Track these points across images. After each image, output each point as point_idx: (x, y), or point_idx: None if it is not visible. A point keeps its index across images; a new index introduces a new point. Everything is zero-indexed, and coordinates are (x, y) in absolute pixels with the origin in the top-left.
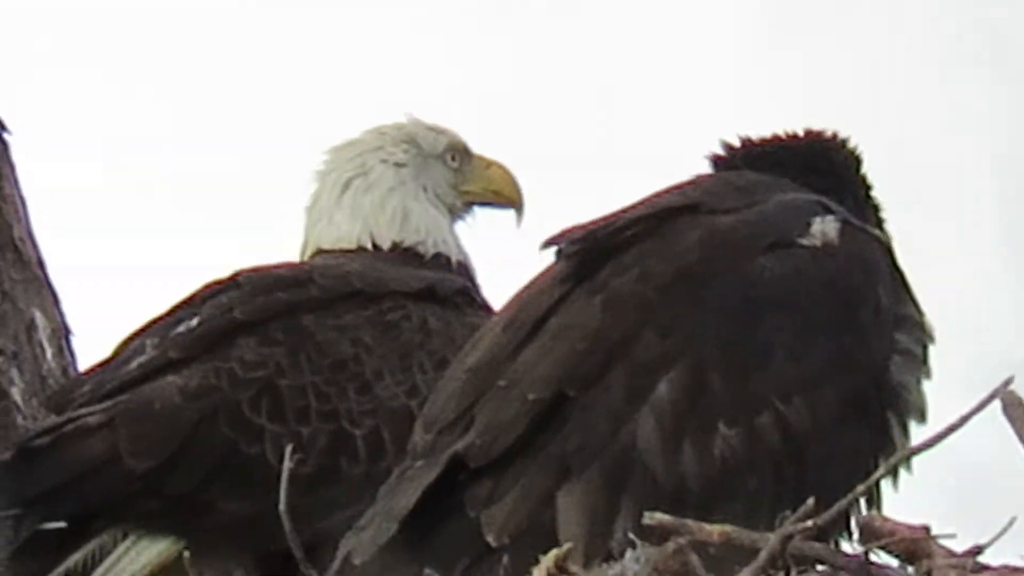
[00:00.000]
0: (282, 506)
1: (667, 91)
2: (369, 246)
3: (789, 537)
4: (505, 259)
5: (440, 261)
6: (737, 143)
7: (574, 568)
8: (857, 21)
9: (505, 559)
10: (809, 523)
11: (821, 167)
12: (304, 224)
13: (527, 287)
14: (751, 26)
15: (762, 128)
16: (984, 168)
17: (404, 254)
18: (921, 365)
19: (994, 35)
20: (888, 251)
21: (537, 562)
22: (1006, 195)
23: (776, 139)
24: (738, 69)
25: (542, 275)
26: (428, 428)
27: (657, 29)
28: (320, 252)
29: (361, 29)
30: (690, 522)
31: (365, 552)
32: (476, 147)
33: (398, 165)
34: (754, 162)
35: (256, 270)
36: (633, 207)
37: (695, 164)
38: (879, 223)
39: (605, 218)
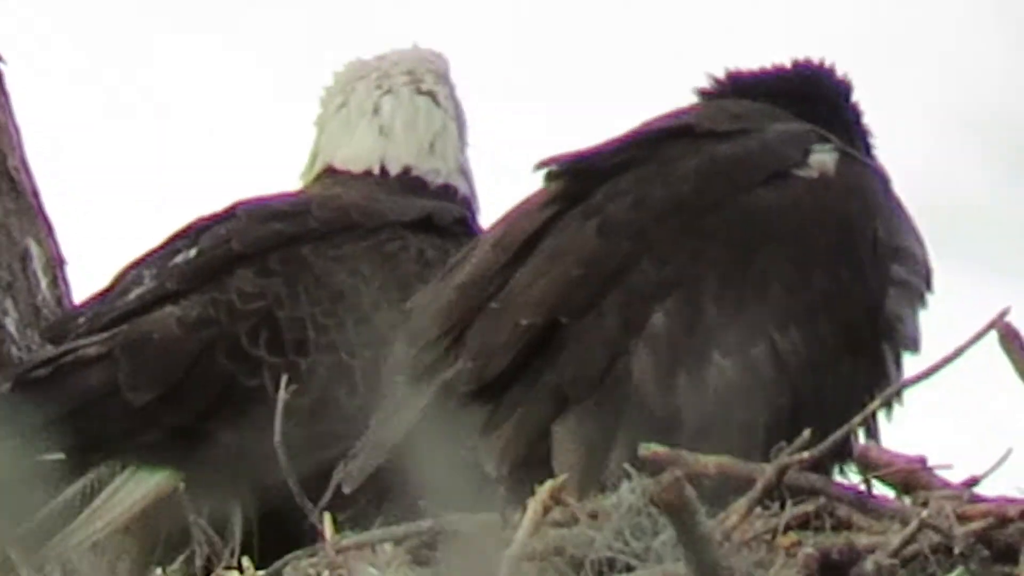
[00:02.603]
0: (277, 438)
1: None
2: (377, 169)
3: (785, 468)
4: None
5: (445, 192)
6: (723, 75)
7: (569, 499)
8: None
9: (502, 489)
10: (805, 455)
11: (812, 96)
12: (315, 138)
13: (517, 206)
14: None
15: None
16: None
17: (410, 181)
18: (917, 296)
19: None
20: (884, 181)
21: (533, 493)
22: None
23: (764, 70)
24: None
25: (533, 195)
26: (412, 342)
27: None
28: (328, 169)
29: None
30: (686, 453)
31: (354, 482)
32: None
33: (433, 95)
34: (744, 93)
35: (253, 201)
36: (634, 129)
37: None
38: (868, 150)
39: (599, 144)
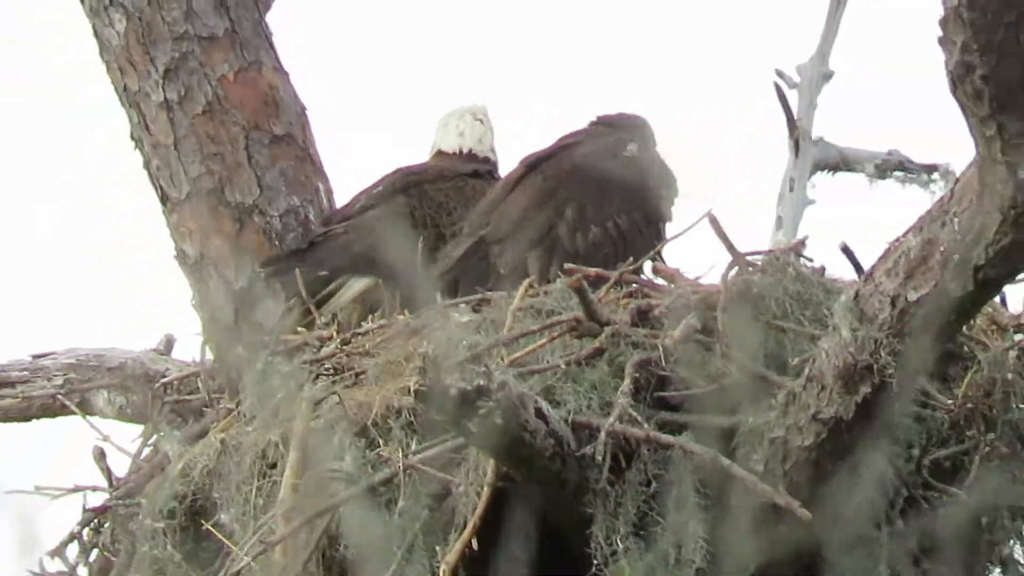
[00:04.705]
0: (417, 264)
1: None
2: (456, 151)
3: (623, 272)
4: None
5: (485, 161)
6: (596, 117)
7: (536, 286)
8: None
9: (508, 283)
10: (630, 267)
11: (629, 124)
12: (435, 137)
13: (510, 174)
14: None
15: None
16: None
17: (471, 156)
18: (671, 204)
19: None
20: (660, 160)
21: (521, 283)
22: None
23: (611, 114)
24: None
25: (515, 169)
26: (469, 224)
27: None
28: (439, 151)
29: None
30: (582, 267)
31: (440, 269)
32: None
33: (481, 120)
34: (603, 123)
35: (404, 167)
36: (557, 140)
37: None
38: (653, 145)
39: (545, 148)
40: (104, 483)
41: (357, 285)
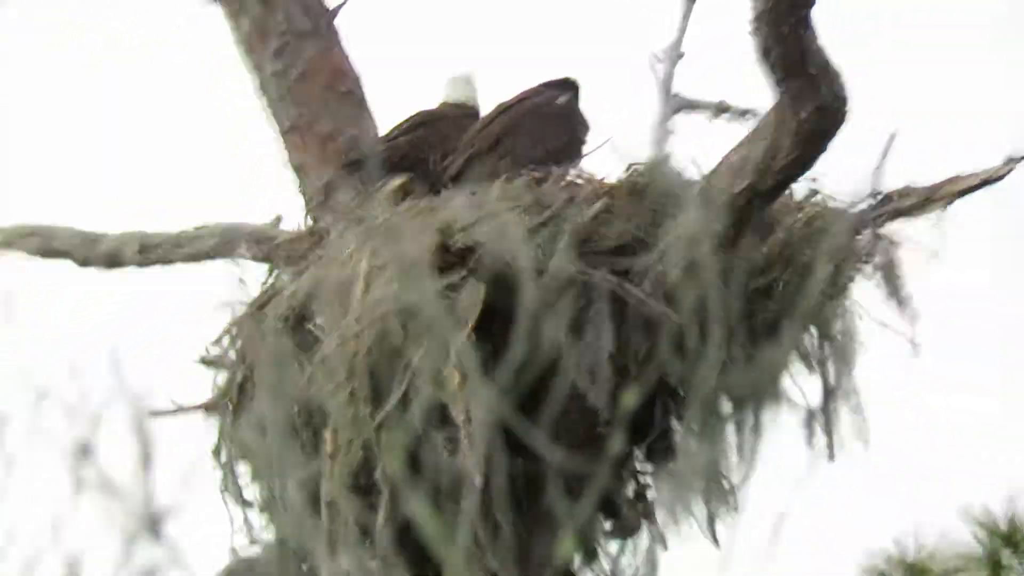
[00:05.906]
0: (432, 167)
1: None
2: (456, 101)
3: (559, 174)
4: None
5: (473, 108)
6: (545, 80)
7: (505, 183)
8: None
9: (488, 181)
10: (562, 171)
11: (562, 84)
12: (444, 91)
13: (488, 114)
14: None
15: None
16: None
17: (464, 106)
18: (587, 133)
19: None
20: (581, 110)
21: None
22: None
23: (555, 79)
24: None
25: (491, 112)
26: (463, 145)
27: None
28: (445, 102)
29: None
30: (534, 171)
31: (449, 172)
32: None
33: (470, 81)
34: (547, 83)
35: (423, 110)
36: (517, 94)
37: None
38: (578, 97)
39: (509, 98)
40: (245, 300)
41: (396, 181)
